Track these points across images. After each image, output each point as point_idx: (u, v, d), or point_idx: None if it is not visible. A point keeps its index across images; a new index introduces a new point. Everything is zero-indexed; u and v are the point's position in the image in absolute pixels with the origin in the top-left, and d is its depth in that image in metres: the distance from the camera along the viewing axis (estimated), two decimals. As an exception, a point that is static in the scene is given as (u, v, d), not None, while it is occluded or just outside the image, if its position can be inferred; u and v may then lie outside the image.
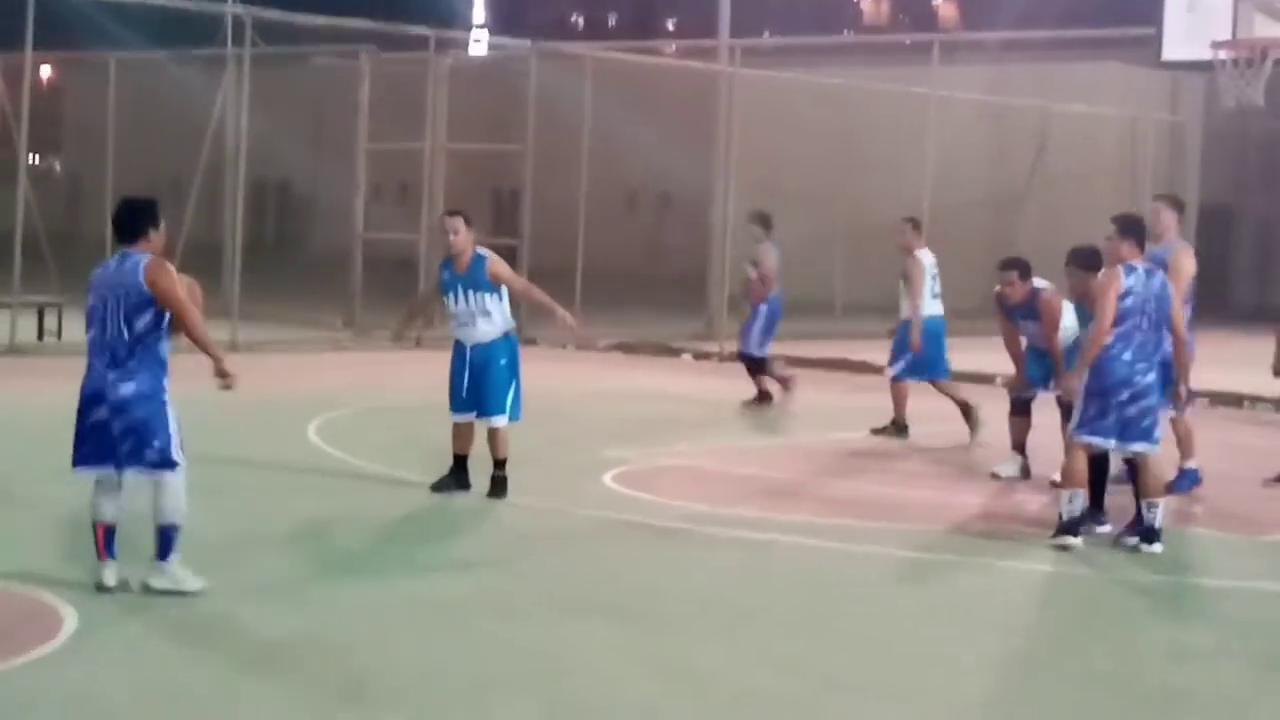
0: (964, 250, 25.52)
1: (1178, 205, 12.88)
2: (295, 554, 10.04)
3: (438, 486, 11.92)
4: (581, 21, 71.94)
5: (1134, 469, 11.05)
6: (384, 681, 7.50)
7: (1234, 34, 16.64)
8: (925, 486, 13.20)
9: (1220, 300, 36.29)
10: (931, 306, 16.02)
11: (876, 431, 16.01)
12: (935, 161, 24.32)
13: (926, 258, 16.15)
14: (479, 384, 11.81)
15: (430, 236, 24.19)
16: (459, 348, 11.95)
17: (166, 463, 8.68)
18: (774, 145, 32.27)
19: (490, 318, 11.82)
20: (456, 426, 11.95)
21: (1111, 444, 10.89)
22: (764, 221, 17.94)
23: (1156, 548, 10.71)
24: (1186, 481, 12.89)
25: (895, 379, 16.04)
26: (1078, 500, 10.84)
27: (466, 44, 49.69)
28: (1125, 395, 10.75)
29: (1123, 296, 10.81)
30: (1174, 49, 17.45)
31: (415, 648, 8.06)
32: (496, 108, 30.10)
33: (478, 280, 11.79)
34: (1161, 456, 11.06)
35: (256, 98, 22.88)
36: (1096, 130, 33.29)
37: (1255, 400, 14.53)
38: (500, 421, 11.82)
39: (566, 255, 24.80)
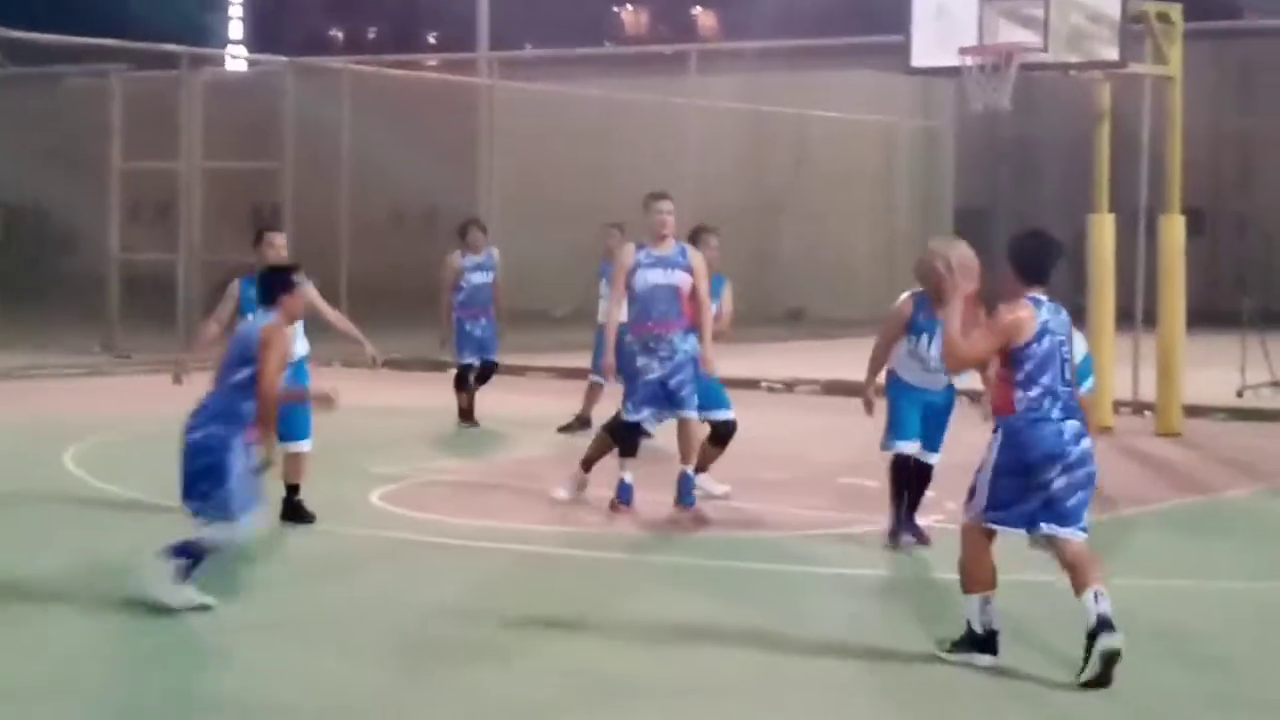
0: (726, 256, 25.73)
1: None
2: (54, 589, 9.80)
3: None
4: (341, 36, 71.30)
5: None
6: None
7: (980, 40, 16.94)
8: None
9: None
10: None
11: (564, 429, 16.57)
12: (696, 170, 24.52)
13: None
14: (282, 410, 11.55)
15: (188, 256, 23.79)
16: None
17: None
18: (537, 158, 32.30)
19: (298, 340, 11.58)
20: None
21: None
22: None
23: (1117, 640, 7.80)
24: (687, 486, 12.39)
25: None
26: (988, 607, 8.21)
27: (223, 61, 49.14)
28: (1056, 470, 8.07)
29: (1038, 337, 8.07)
30: (923, 56, 17.68)
31: (189, 680, 7.94)
32: (255, 125, 29.70)
33: None
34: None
35: (6, 120, 22.31)
36: (853, 136, 33.85)
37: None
38: (305, 446, 11.61)
39: (330, 272, 24.57)
